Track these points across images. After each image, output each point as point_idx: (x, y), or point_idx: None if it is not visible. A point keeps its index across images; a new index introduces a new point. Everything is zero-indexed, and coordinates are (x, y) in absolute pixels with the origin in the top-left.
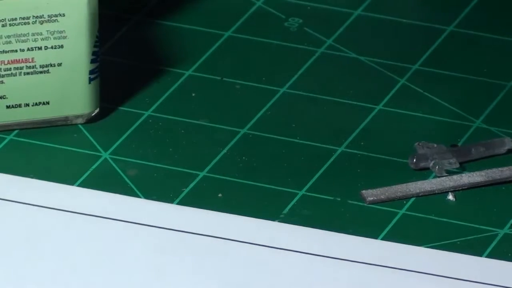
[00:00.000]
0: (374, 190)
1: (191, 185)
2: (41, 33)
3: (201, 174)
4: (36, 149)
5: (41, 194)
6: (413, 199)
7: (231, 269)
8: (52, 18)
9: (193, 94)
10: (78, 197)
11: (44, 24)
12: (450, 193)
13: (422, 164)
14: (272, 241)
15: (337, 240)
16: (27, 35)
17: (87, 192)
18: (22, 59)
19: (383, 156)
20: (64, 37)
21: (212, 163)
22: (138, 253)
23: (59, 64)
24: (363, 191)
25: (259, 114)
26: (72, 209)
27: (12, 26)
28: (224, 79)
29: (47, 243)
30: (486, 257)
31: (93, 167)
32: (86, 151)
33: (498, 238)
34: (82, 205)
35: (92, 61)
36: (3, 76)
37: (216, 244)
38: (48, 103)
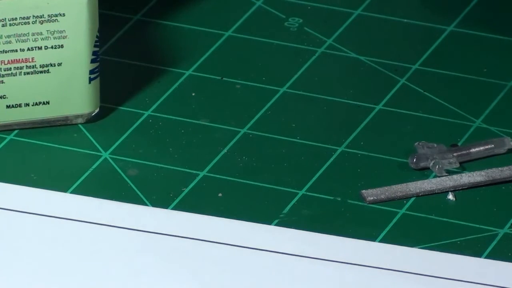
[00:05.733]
0: (374, 190)
1: (191, 185)
2: (41, 33)
3: (201, 174)
4: (36, 149)
5: (33, 201)
6: (413, 199)
7: (228, 274)
8: (52, 18)
9: (193, 94)
10: (69, 203)
11: (44, 24)
12: (450, 193)
13: (422, 164)
14: (268, 244)
15: (335, 243)
16: (27, 35)
17: (78, 198)
18: (22, 59)
19: (383, 156)
20: (64, 37)
21: (212, 163)
22: (134, 260)
23: (59, 64)
24: (363, 191)
25: (259, 114)
26: (64, 215)
27: (12, 26)
28: (224, 79)
29: (37, 249)
30: (486, 257)
31: (93, 167)
32: (86, 151)
33: (498, 238)
34: (74, 212)
35: (92, 61)
36: (3, 76)
37: (212, 249)
38: (48, 103)
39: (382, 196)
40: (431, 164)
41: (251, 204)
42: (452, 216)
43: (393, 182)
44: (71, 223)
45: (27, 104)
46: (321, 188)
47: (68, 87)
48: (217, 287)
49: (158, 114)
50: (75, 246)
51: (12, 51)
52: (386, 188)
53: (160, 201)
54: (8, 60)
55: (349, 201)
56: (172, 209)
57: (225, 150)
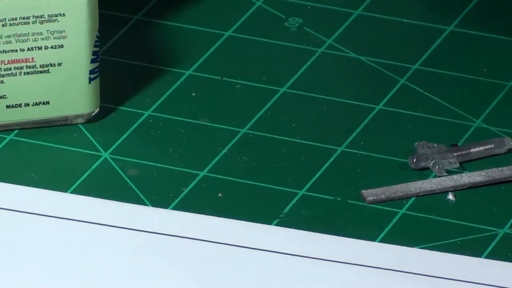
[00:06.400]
0: (374, 190)
1: (191, 185)
2: (41, 33)
3: (201, 174)
4: (36, 149)
5: (33, 201)
6: (413, 199)
7: (228, 274)
8: (52, 18)
9: (193, 94)
10: (69, 203)
11: (44, 24)
12: (450, 193)
13: (422, 164)
14: (268, 244)
15: (335, 243)
16: (27, 35)
17: (78, 198)
18: (22, 59)
19: (383, 156)
20: (64, 37)
21: (212, 163)
22: (134, 260)
23: (59, 64)
24: (363, 191)
25: (259, 114)
26: (64, 215)
27: (12, 26)
28: (224, 79)
29: (37, 249)
30: (486, 257)
31: (93, 167)
32: (86, 151)
33: (498, 238)
34: (74, 212)
35: (92, 61)
36: (3, 76)
37: (212, 249)
38: (48, 103)
39: (382, 196)
40: (431, 164)
41: (251, 204)
42: (452, 216)
43: (393, 182)
44: (71, 223)
45: (27, 104)
46: (321, 188)
47: (68, 87)
48: (217, 287)
49: (158, 114)
50: (75, 246)
51: (12, 51)
52: (386, 188)
53: (160, 201)
54: (8, 60)
55: (349, 201)
56: (172, 209)
57: (225, 150)
